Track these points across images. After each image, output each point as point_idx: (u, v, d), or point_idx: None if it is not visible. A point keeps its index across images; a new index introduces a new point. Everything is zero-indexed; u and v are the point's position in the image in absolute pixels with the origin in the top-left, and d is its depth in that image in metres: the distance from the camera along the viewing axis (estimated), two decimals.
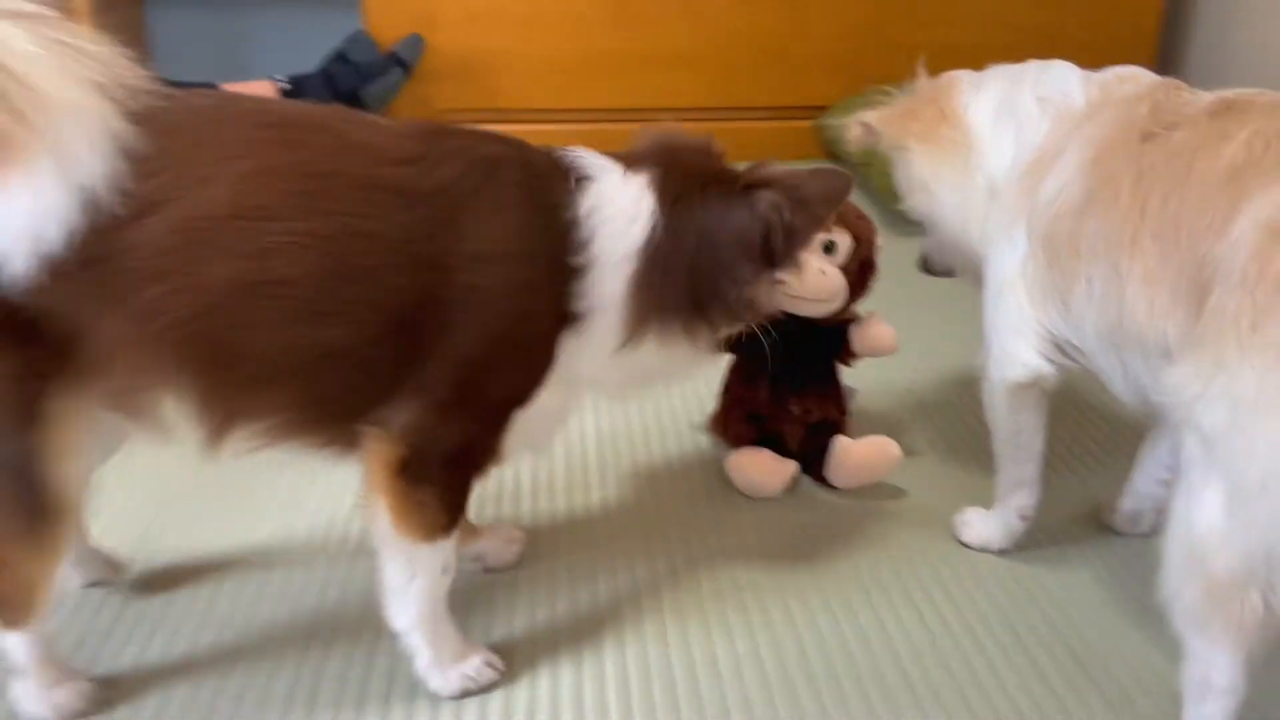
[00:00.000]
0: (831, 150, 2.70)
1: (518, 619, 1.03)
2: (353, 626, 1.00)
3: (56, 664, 0.89)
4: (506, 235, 0.85)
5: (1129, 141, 0.95)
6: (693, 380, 1.44)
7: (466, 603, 1.03)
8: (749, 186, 0.93)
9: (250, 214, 0.77)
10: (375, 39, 2.57)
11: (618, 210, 0.90)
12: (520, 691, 0.93)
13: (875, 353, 1.30)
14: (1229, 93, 0.93)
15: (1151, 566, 1.02)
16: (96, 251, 0.73)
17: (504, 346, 0.87)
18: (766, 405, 1.26)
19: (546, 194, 0.88)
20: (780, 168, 0.95)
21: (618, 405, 1.39)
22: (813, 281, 1.19)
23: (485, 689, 0.94)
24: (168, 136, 0.76)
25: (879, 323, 1.28)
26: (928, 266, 1.29)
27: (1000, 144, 1.11)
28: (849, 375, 1.33)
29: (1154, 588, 1.05)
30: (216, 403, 0.82)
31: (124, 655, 0.96)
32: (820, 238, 1.20)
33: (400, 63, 2.53)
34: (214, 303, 0.77)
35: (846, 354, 1.30)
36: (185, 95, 0.79)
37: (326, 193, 0.80)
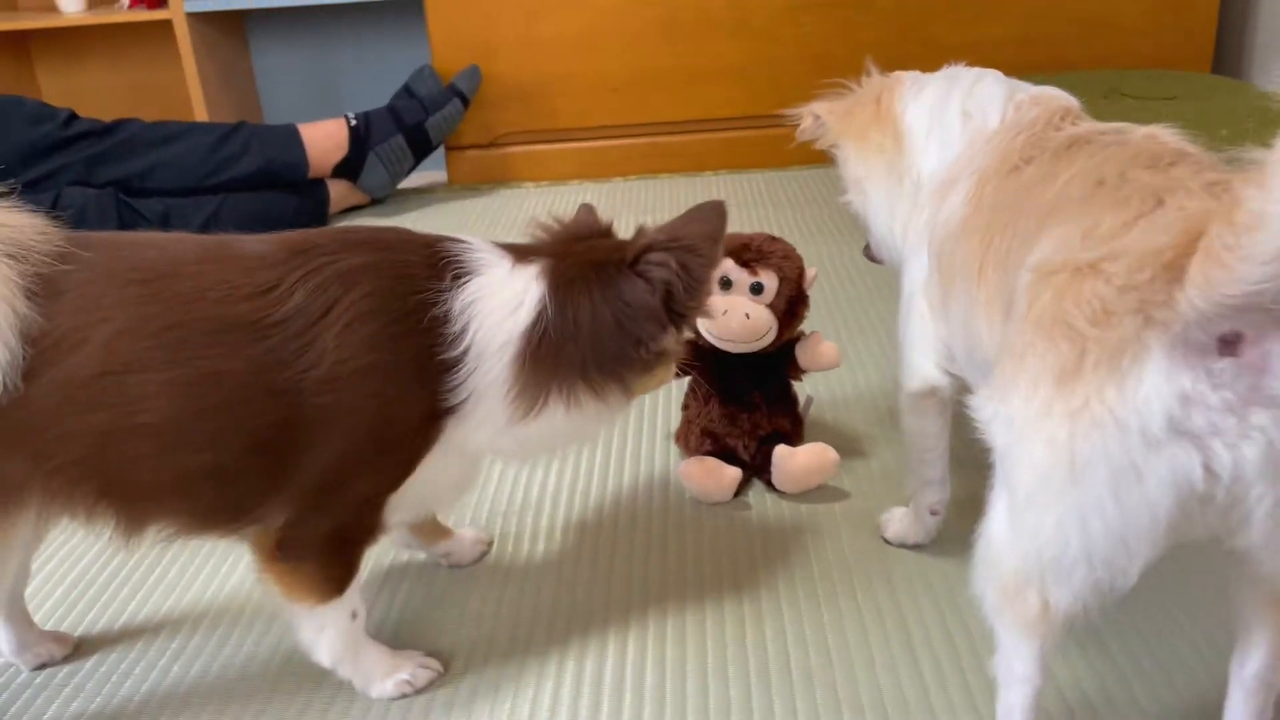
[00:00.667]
0: None
1: (473, 615, 1.17)
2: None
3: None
4: (358, 352, 0.91)
5: (999, 173, 1.00)
6: (666, 396, 1.58)
7: (435, 600, 1.19)
8: (637, 256, 1.00)
9: (116, 370, 0.87)
10: (439, 72, 2.77)
11: (500, 301, 0.96)
12: (470, 688, 1.08)
13: (819, 368, 1.39)
14: (1092, 128, 0.98)
15: None
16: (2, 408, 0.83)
17: (365, 452, 0.94)
18: (719, 421, 1.37)
19: (410, 296, 0.93)
20: (656, 227, 1.03)
21: (539, 465, 1.45)
22: (739, 326, 1.29)
23: (423, 689, 1.06)
24: (54, 302, 0.86)
25: (820, 341, 1.38)
26: (869, 254, 1.30)
27: (928, 154, 1.14)
28: (807, 383, 1.43)
29: None
30: (120, 516, 0.93)
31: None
32: (746, 281, 1.30)
33: (459, 94, 2.72)
34: (95, 446, 0.88)
35: (794, 370, 1.40)
36: (77, 252, 0.88)
37: (181, 341, 0.88)
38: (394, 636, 1.14)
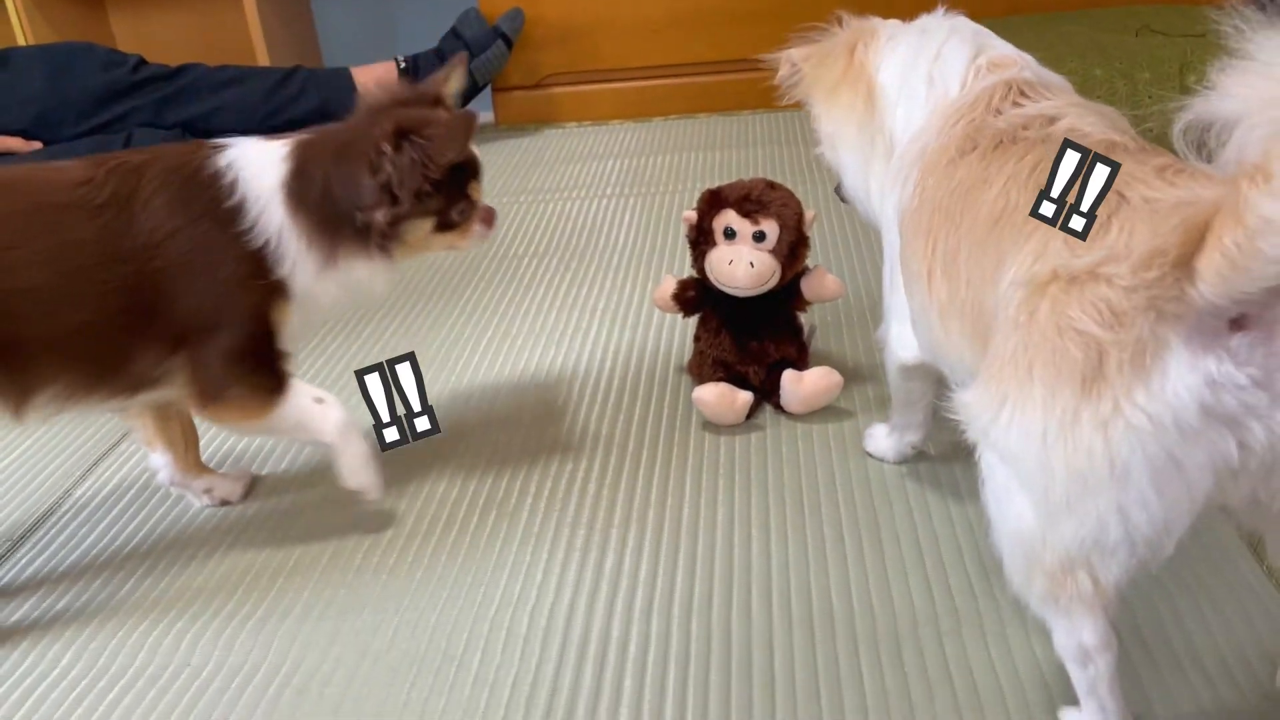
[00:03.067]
0: None
1: (488, 512, 1.33)
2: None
3: None
4: (162, 219, 1.14)
5: (939, 165, 1.03)
6: (678, 332, 1.71)
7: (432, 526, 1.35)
8: (376, 142, 1.16)
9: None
10: (485, 15, 2.88)
11: (253, 160, 1.19)
12: (484, 590, 1.24)
13: (823, 299, 1.51)
14: (1018, 119, 0.98)
15: None
16: None
17: (211, 295, 1.17)
18: (730, 351, 1.50)
19: (185, 169, 1.17)
20: (420, 112, 1.19)
21: (563, 349, 1.65)
22: (743, 274, 1.41)
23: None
24: None
25: (825, 274, 1.49)
26: (840, 193, 1.34)
27: (898, 119, 1.15)
28: (811, 312, 1.55)
29: None
30: (9, 383, 1.13)
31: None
32: (749, 230, 1.42)
33: (503, 36, 2.83)
34: None
35: (800, 301, 1.52)
36: None
37: (41, 220, 1.13)
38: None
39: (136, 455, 1.52)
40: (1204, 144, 0.78)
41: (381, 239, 1.20)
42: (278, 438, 1.30)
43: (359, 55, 2.99)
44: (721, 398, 1.47)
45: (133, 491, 1.45)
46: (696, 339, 1.56)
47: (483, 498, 1.36)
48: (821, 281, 1.49)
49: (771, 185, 1.46)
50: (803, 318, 1.56)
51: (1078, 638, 0.86)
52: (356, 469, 1.27)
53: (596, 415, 1.53)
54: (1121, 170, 0.83)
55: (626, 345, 1.72)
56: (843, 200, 1.34)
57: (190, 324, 1.17)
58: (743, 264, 1.42)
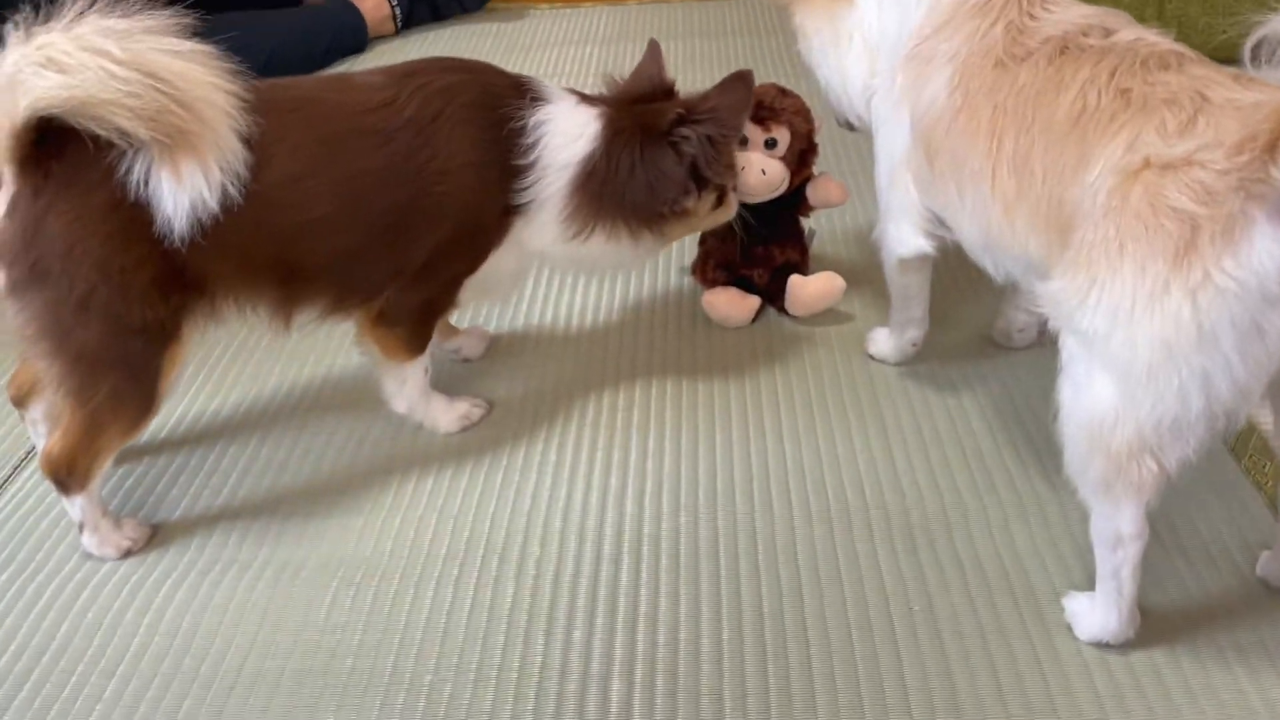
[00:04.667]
0: None
1: (513, 403, 1.38)
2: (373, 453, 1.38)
3: (110, 514, 1.17)
4: (462, 149, 1.15)
5: (984, 66, 1.06)
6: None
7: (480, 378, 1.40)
8: (670, 127, 1.21)
9: (295, 177, 1.10)
10: None
11: (565, 127, 1.19)
12: (507, 459, 1.30)
13: (829, 205, 1.55)
14: (1071, 26, 1.03)
15: (1026, 377, 1.35)
16: (216, 215, 1.04)
17: (460, 235, 1.20)
18: (735, 255, 1.54)
19: (497, 109, 1.17)
20: (694, 95, 1.23)
21: (576, 279, 1.66)
22: (755, 180, 1.44)
23: (478, 422, 1.35)
24: (245, 127, 1.05)
25: (829, 180, 1.53)
26: (840, 122, 1.40)
27: (883, 18, 1.21)
28: (811, 217, 1.59)
29: (1030, 396, 1.34)
30: (285, 303, 1.17)
31: (172, 504, 1.24)
32: (760, 137, 1.43)
33: None
34: (283, 241, 1.12)
35: (805, 207, 1.55)
36: (250, 87, 1.06)
37: (334, 148, 1.13)
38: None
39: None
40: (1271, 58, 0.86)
41: (664, 223, 1.24)
42: (382, 371, 1.31)
43: None
44: (731, 301, 1.51)
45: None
46: (702, 241, 1.59)
47: (505, 406, 1.40)
48: (827, 187, 1.53)
49: (783, 92, 1.48)
50: (803, 222, 1.60)
51: (1116, 523, 0.94)
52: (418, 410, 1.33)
53: (604, 319, 1.58)
54: (1200, 76, 0.90)
55: None
56: (843, 126, 1.39)
57: (434, 255, 1.19)
58: (754, 170, 1.45)
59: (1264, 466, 1.21)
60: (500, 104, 1.18)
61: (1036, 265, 1.03)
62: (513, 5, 2.96)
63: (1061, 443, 0.98)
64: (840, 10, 1.26)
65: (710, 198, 1.29)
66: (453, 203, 1.17)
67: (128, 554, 1.18)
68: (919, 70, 1.16)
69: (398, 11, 2.71)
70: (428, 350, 1.29)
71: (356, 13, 2.64)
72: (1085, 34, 1.02)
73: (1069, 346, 0.95)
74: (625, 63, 2.53)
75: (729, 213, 1.37)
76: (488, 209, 1.20)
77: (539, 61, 2.56)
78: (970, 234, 1.13)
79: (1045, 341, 1.42)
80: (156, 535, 1.21)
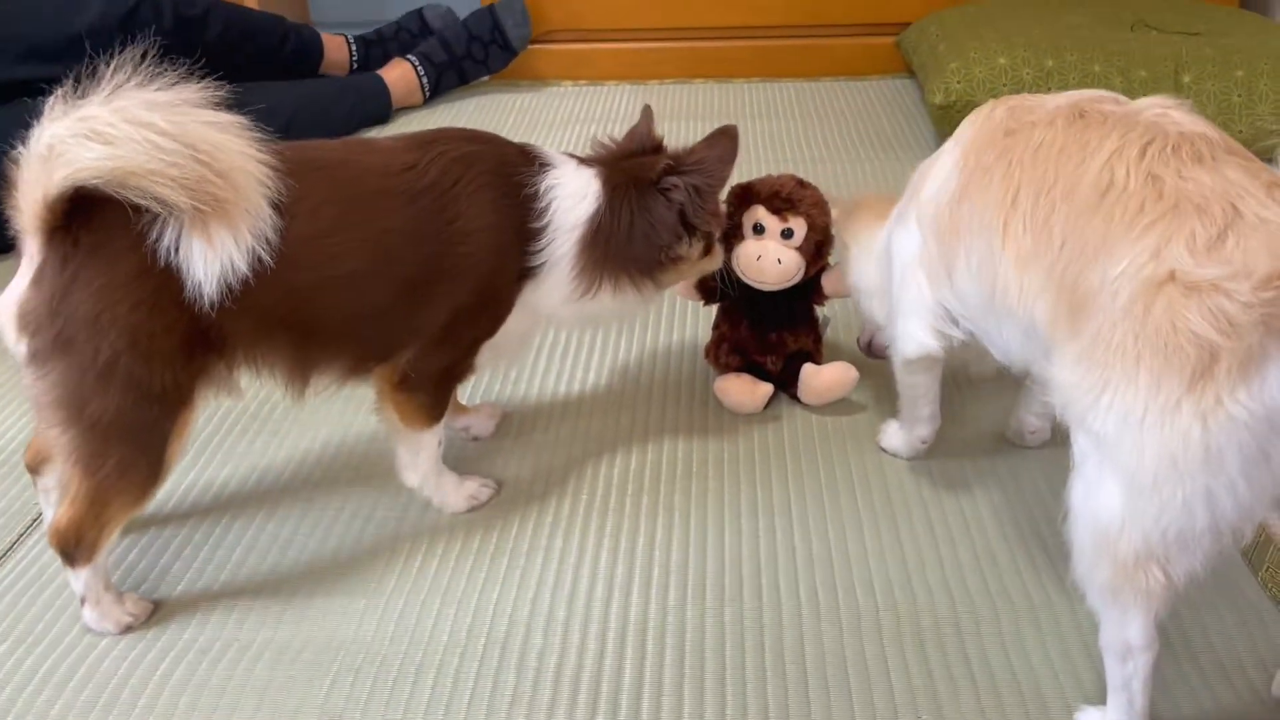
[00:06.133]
0: (910, 66, 2.84)
1: (521, 484, 1.38)
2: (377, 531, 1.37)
3: (113, 589, 1.16)
4: (484, 212, 1.18)
5: (994, 138, 1.09)
6: (697, 321, 1.75)
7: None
8: (659, 176, 1.27)
9: (320, 234, 1.12)
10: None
11: (570, 190, 1.24)
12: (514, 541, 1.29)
13: (842, 294, 1.55)
14: (1078, 96, 1.05)
15: (1038, 477, 1.35)
16: (241, 278, 1.05)
17: (480, 297, 1.22)
18: (749, 340, 1.54)
19: (513, 176, 1.21)
20: (681, 149, 1.30)
21: (586, 335, 1.71)
22: (771, 269, 1.46)
23: (486, 502, 1.35)
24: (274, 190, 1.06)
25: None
26: (867, 350, 1.54)
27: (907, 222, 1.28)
28: (826, 305, 1.60)
29: (1042, 496, 1.33)
30: (304, 364, 1.18)
31: (175, 579, 1.23)
32: (778, 227, 1.46)
33: (507, 46, 2.88)
34: (304, 299, 1.13)
35: (819, 296, 1.56)
36: (273, 149, 1.07)
37: (360, 207, 1.15)
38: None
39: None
40: None
41: (660, 270, 1.29)
42: (397, 440, 1.30)
43: (351, 14, 2.95)
44: (743, 388, 1.51)
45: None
46: (716, 326, 1.60)
47: (512, 484, 1.40)
48: (841, 277, 1.53)
49: (801, 184, 1.49)
50: (817, 310, 1.61)
51: (1125, 633, 0.93)
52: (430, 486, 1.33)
53: (616, 399, 1.57)
54: (1233, 181, 0.90)
55: (642, 329, 1.75)
56: (870, 355, 1.52)
57: (454, 317, 1.21)
58: (770, 260, 1.46)
59: None
60: (515, 171, 1.22)
61: (1039, 331, 1.02)
62: (537, 80, 3.02)
63: (1069, 546, 0.97)
64: (878, 228, 1.36)
65: (698, 246, 1.33)
66: (474, 264, 1.19)
67: (128, 629, 1.17)
68: (923, 175, 1.22)
69: (424, 81, 2.75)
70: (443, 421, 1.30)
71: (379, 80, 2.68)
72: (1099, 102, 1.04)
73: (1080, 445, 0.96)
74: None
75: (715, 262, 1.40)
76: (506, 271, 1.23)
77: (561, 138, 2.60)
78: (975, 298, 1.12)
79: (1058, 440, 1.41)
80: (157, 611, 1.20)
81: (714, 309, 1.61)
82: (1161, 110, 0.99)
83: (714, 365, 1.58)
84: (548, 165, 1.24)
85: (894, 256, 1.28)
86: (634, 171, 1.28)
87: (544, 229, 1.22)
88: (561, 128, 2.67)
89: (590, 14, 2.96)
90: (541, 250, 1.23)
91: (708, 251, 1.38)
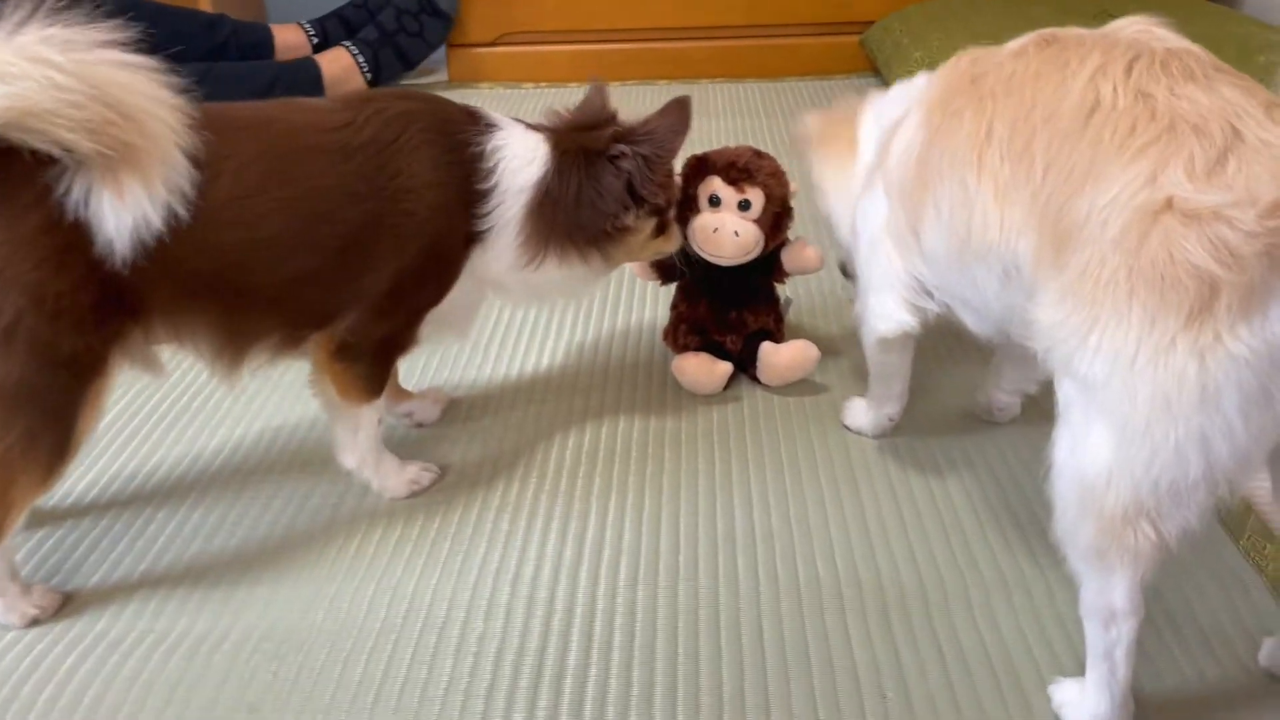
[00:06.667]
0: (875, 64, 2.81)
1: (467, 468, 1.30)
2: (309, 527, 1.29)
3: (19, 580, 1.08)
4: (425, 169, 1.11)
5: (961, 87, 1.01)
6: (656, 297, 1.69)
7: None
8: (613, 141, 1.20)
9: (245, 194, 1.04)
10: None
11: (517, 152, 1.18)
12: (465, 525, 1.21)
13: (803, 271, 1.50)
14: (1044, 31, 0.96)
15: (1007, 451, 1.28)
16: (159, 236, 0.98)
17: (426, 260, 1.14)
18: (708, 320, 1.47)
19: (456, 134, 1.15)
20: (636, 119, 1.24)
21: (540, 318, 1.65)
22: (728, 242, 1.39)
23: (428, 487, 1.27)
24: (193, 143, 1.00)
25: (805, 245, 1.48)
26: (845, 271, 1.43)
27: (869, 139, 1.25)
28: (787, 285, 1.54)
29: (1011, 470, 1.27)
30: (232, 334, 1.09)
31: (90, 570, 1.14)
32: (734, 198, 1.39)
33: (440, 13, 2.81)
34: (230, 260, 1.05)
35: (779, 273, 1.50)
36: (195, 108, 1.01)
37: (288, 166, 1.07)
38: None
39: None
40: None
41: (608, 243, 1.22)
42: (334, 418, 1.23)
43: (304, 8, 2.89)
44: (701, 366, 1.45)
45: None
46: (674, 306, 1.53)
47: (458, 468, 1.32)
48: (802, 253, 1.48)
49: (758, 154, 1.44)
50: (779, 289, 1.55)
51: (1109, 597, 0.87)
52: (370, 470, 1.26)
53: (570, 383, 1.50)
54: (1231, 100, 0.82)
55: (599, 311, 1.69)
56: (846, 276, 1.41)
57: (398, 283, 1.14)
58: (727, 232, 1.40)
59: (1264, 548, 1.13)
60: (459, 130, 1.16)
61: (1024, 270, 0.94)
62: (498, 83, 2.96)
63: (1052, 503, 0.90)
64: (849, 160, 1.28)
65: (649, 222, 1.27)
66: (418, 224, 1.12)
67: (34, 623, 1.08)
68: (886, 148, 1.15)
69: (360, 61, 2.66)
70: (382, 398, 1.22)
71: (313, 65, 2.60)
72: (1068, 31, 0.96)
73: (1065, 392, 0.88)
74: None
75: (671, 243, 1.35)
76: (454, 233, 1.16)
77: None
78: (946, 252, 1.04)
79: (1027, 416, 1.35)
80: (68, 604, 1.11)
81: (672, 290, 1.55)
82: (1143, 28, 0.92)
83: (672, 347, 1.52)
84: (494, 126, 1.19)
85: (861, 228, 1.21)
86: (584, 141, 1.22)
87: (491, 191, 1.16)
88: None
89: (550, 15, 2.91)
90: (489, 214, 1.17)
91: (662, 230, 1.31)
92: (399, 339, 1.20)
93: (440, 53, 2.93)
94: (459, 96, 2.78)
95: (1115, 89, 0.86)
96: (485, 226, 1.17)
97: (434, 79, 2.98)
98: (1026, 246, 0.93)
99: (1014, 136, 0.93)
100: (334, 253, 1.10)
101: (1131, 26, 0.93)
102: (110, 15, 2.05)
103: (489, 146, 1.16)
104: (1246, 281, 0.77)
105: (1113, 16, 2.67)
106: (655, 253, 1.36)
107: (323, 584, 1.13)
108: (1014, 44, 1.00)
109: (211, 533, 1.21)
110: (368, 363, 1.18)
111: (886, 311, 1.17)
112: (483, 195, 1.16)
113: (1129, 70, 0.87)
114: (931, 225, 1.06)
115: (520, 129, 1.21)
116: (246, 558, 1.17)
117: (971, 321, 1.10)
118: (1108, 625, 0.88)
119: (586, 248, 1.22)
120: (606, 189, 1.21)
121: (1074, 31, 0.95)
